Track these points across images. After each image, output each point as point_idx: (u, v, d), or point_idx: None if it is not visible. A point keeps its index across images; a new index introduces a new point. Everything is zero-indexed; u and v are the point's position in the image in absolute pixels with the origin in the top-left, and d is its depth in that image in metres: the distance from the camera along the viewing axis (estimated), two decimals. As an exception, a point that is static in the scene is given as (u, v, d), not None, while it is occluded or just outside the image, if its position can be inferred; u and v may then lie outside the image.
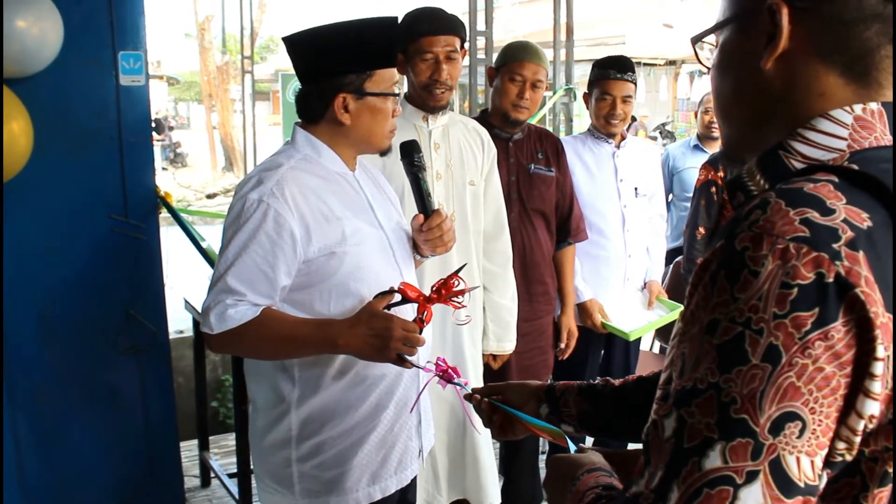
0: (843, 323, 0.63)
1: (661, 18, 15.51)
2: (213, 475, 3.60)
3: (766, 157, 0.79)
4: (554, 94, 4.30)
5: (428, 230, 1.80)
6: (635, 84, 3.02)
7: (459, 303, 1.64)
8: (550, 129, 4.66)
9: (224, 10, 13.13)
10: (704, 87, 15.87)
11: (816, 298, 0.63)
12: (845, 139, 0.75)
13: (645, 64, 15.72)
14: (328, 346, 1.60)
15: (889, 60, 0.76)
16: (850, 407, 0.65)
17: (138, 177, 2.81)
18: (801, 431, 0.63)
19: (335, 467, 1.74)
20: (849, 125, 0.75)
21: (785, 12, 0.77)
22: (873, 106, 0.76)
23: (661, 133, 17.86)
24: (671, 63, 17.10)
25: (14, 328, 2.63)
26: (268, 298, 1.62)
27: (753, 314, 0.64)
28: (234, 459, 3.62)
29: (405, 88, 2.44)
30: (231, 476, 3.34)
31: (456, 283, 1.62)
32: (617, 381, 1.19)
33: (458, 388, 1.45)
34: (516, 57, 2.66)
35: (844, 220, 0.66)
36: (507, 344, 2.61)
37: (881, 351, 0.63)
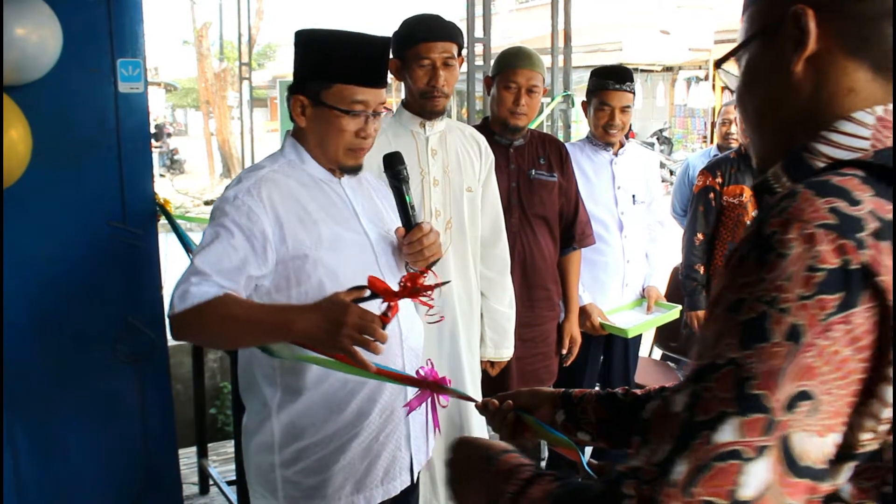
0: (864, 309, 0.65)
1: (658, 25, 15.54)
2: (211, 482, 3.59)
3: (791, 159, 0.81)
4: (552, 100, 4.30)
5: (408, 244, 1.79)
6: (634, 93, 3.05)
7: (427, 298, 1.57)
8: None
9: (222, 17, 13.15)
10: (701, 93, 15.92)
11: (841, 283, 0.65)
12: (868, 139, 0.76)
13: (642, 70, 15.75)
14: (283, 329, 1.51)
15: None
16: (870, 395, 0.66)
17: (137, 184, 2.81)
18: (812, 410, 0.64)
19: (317, 474, 1.73)
20: (871, 125, 0.77)
21: (811, 15, 0.78)
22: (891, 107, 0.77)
23: (658, 139, 17.90)
24: (668, 69, 17.15)
25: (12, 335, 2.63)
26: (232, 282, 1.59)
27: (779, 294, 0.66)
28: (232, 467, 3.62)
29: (402, 95, 2.45)
30: (230, 483, 3.34)
31: (425, 277, 1.55)
32: (640, 391, 1.16)
33: (439, 393, 1.44)
34: (510, 64, 2.68)
35: (871, 212, 0.67)
36: (504, 351, 2.61)
37: None
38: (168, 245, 3.28)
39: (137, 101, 2.78)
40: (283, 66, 23.69)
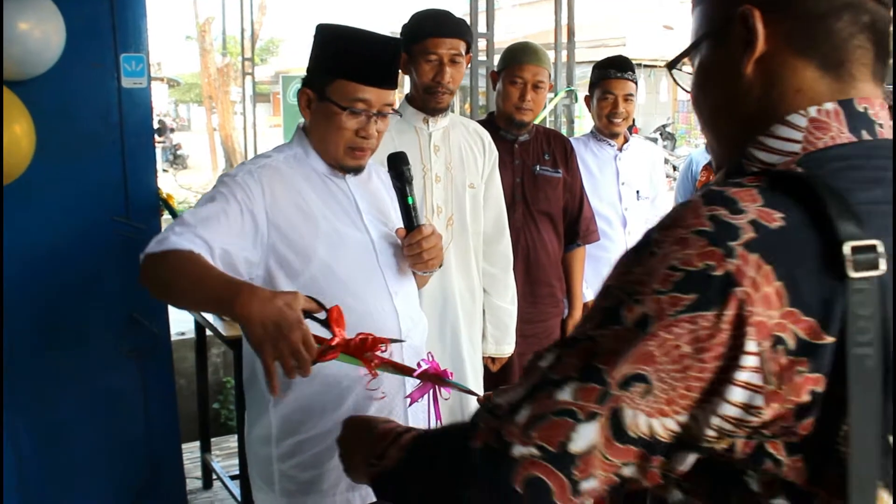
0: (715, 315, 0.67)
1: (661, 20, 15.51)
2: (214, 477, 3.60)
3: (732, 165, 0.83)
4: (555, 95, 4.29)
5: (408, 246, 1.78)
6: (636, 84, 3.04)
7: (371, 363, 1.44)
8: (551, 130, 4.64)
9: (224, 12, 13.13)
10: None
11: (697, 287, 0.68)
12: (799, 142, 0.77)
13: (645, 65, 15.72)
14: (226, 304, 1.39)
15: (861, 51, 0.78)
16: (715, 394, 0.69)
17: (140, 179, 2.81)
18: (645, 393, 0.69)
19: (312, 468, 1.73)
20: (803, 128, 0.77)
21: (757, 15, 0.78)
22: (829, 106, 0.77)
23: (661, 135, 17.87)
24: (671, 64, 17.09)
25: (15, 331, 2.63)
26: (211, 244, 1.53)
27: (638, 286, 0.71)
28: (235, 461, 3.62)
29: (406, 90, 2.45)
30: (233, 478, 3.35)
31: (383, 349, 1.43)
32: None
33: (442, 386, 1.42)
34: (516, 59, 2.67)
35: (752, 221, 0.69)
36: (505, 347, 2.61)
37: (751, 346, 0.67)
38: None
39: (141, 96, 2.79)
40: (285, 61, 23.70)
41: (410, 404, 1.56)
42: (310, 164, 1.77)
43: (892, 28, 0.79)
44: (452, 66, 2.30)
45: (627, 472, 0.72)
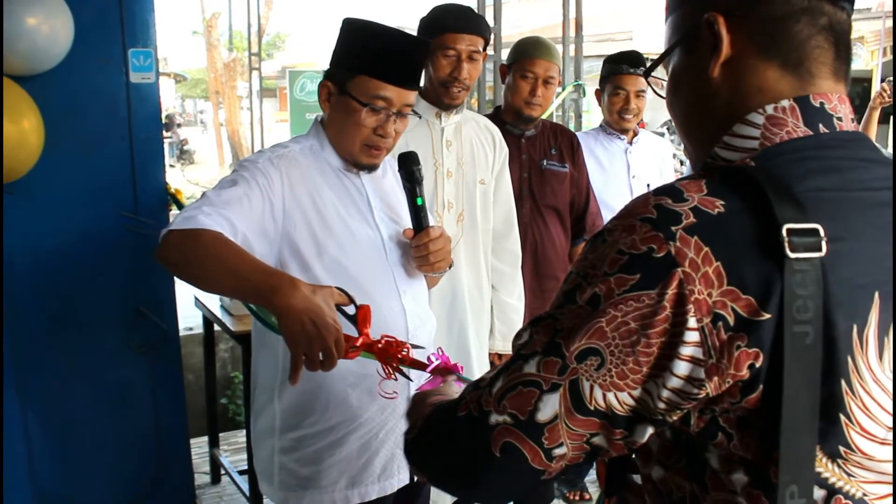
0: (657, 293, 0.73)
1: (669, 14, 15.43)
2: (223, 472, 3.60)
3: (701, 166, 0.88)
4: (563, 89, 4.28)
5: (415, 247, 1.76)
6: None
7: (392, 370, 1.44)
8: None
9: (231, 7, 13.11)
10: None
11: (640, 267, 0.74)
12: (757, 138, 0.82)
13: (651, 59, 15.64)
14: (263, 293, 1.37)
15: (819, 50, 0.83)
16: (663, 368, 0.74)
17: (149, 174, 2.81)
18: (599, 366, 0.75)
19: (312, 464, 1.73)
20: (760, 125, 0.82)
21: (721, 21, 0.83)
22: (784, 103, 0.82)
23: (668, 129, 17.80)
24: (679, 58, 17.05)
25: (24, 326, 2.64)
26: (238, 227, 1.52)
27: (591, 270, 0.78)
28: (244, 456, 3.63)
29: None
30: (241, 473, 3.35)
31: (405, 352, 1.42)
32: None
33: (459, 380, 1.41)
34: (528, 54, 2.65)
35: (693, 208, 0.74)
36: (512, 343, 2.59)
37: (692, 322, 0.72)
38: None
39: (149, 91, 2.78)
40: (292, 55, 23.71)
41: None
42: (325, 158, 1.76)
43: (798, 26, 0.82)
44: (470, 62, 2.28)
45: (596, 441, 0.78)
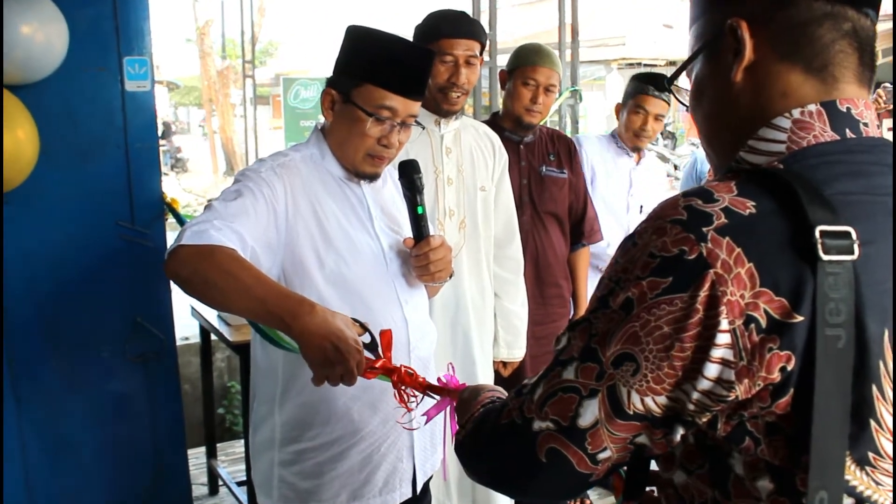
0: (689, 295, 0.73)
1: (661, 18, 15.50)
2: (221, 483, 3.57)
3: (726, 171, 0.88)
4: (559, 95, 4.27)
5: (415, 257, 1.74)
6: (669, 105, 3.08)
7: (408, 399, 1.43)
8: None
9: (224, 15, 13.13)
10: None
11: (672, 270, 0.74)
12: (784, 142, 0.82)
13: (645, 65, 15.71)
14: (282, 318, 1.36)
15: (843, 55, 0.83)
16: (697, 372, 0.74)
17: (145, 183, 2.79)
18: (635, 371, 0.76)
19: (313, 478, 1.71)
20: (787, 129, 0.82)
21: (744, 26, 0.84)
22: (811, 108, 0.82)
23: (662, 133, 17.86)
24: (672, 63, 17.09)
25: (20, 336, 2.61)
26: (247, 240, 1.50)
27: (623, 274, 0.78)
28: (242, 467, 3.60)
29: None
30: (240, 484, 3.32)
31: (422, 379, 1.42)
32: None
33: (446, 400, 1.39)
34: (530, 61, 2.64)
35: (724, 209, 0.74)
36: (517, 351, 2.59)
37: (724, 324, 0.72)
38: (175, 244, 3.25)
39: (145, 100, 2.76)
40: (285, 63, 23.67)
41: (427, 422, 1.52)
42: (325, 167, 1.74)
43: (820, 31, 0.82)
44: (468, 67, 2.27)
45: (640, 440, 0.79)
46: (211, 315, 3.25)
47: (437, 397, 1.39)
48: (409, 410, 1.45)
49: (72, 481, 2.79)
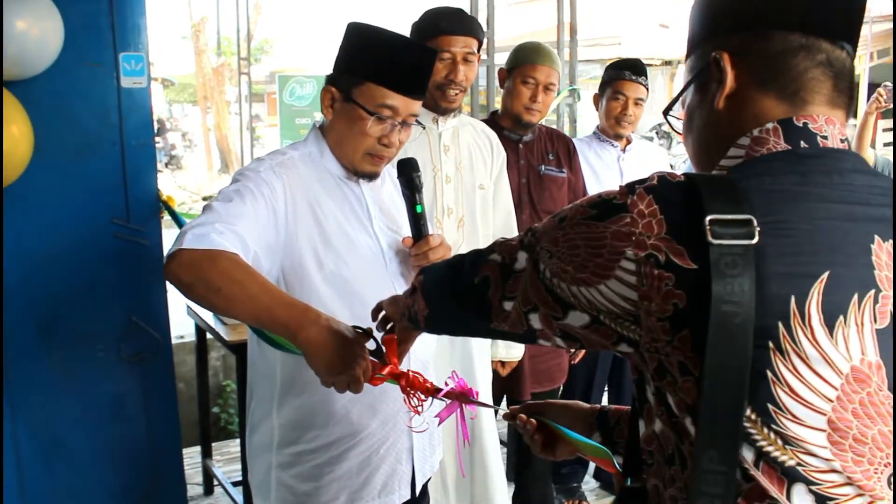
0: (604, 226, 0.84)
1: (657, 18, 15.50)
2: (216, 483, 3.55)
3: None
4: (557, 94, 4.26)
5: (414, 256, 1.73)
6: (647, 89, 3.05)
7: (417, 403, 1.40)
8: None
9: (219, 12, 13.06)
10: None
11: (599, 206, 0.86)
12: (741, 157, 0.90)
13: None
14: (287, 327, 1.34)
15: (816, 81, 0.90)
16: (601, 283, 0.85)
17: (140, 180, 2.76)
18: (550, 257, 0.89)
19: (311, 480, 1.69)
20: (746, 146, 0.90)
21: (726, 58, 0.92)
22: (769, 125, 0.89)
23: (657, 133, 17.85)
24: (667, 63, 17.11)
25: (15, 335, 2.59)
26: (249, 244, 1.48)
27: (571, 205, 0.92)
28: (237, 467, 3.59)
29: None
30: (235, 484, 3.30)
31: (429, 385, 1.40)
32: None
33: (463, 404, 1.38)
34: (529, 59, 2.63)
35: (661, 176, 0.85)
36: (515, 351, 2.58)
37: (630, 253, 0.82)
38: (171, 242, 3.23)
39: (140, 96, 2.74)
40: (280, 60, 23.60)
41: (440, 423, 1.50)
42: (324, 166, 1.72)
43: (795, 60, 0.90)
44: (465, 64, 2.26)
45: (533, 318, 0.92)
46: (207, 314, 3.23)
47: (447, 400, 1.38)
48: (418, 413, 1.43)
49: (66, 481, 2.77)
